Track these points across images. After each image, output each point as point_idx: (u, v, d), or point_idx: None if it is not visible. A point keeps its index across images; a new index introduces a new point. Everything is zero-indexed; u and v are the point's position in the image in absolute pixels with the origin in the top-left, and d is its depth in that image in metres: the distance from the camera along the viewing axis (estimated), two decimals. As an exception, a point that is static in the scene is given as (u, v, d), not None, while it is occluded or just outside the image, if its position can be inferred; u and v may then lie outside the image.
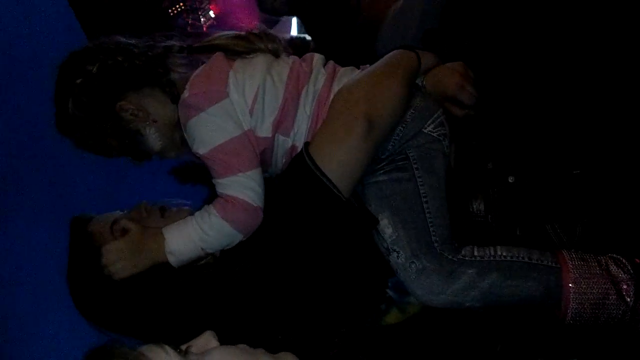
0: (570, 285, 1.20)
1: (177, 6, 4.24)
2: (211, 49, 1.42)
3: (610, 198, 1.34)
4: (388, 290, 1.30)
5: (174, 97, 1.35)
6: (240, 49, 1.41)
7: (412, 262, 1.23)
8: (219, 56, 1.38)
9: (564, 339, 1.26)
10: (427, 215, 1.26)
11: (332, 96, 1.33)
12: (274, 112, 1.32)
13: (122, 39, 1.40)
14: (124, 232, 1.34)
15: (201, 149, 1.30)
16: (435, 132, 1.33)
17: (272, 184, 1.32)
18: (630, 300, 1.19)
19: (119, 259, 1.28)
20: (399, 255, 1.24)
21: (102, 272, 1.29)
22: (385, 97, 1.27)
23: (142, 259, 1.28)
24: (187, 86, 1.32)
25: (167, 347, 0.99)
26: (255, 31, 1.44)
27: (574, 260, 1.24)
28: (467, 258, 1.25)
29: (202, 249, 1.29)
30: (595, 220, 1.33)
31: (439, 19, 1.78)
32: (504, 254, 1.25)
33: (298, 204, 1.25)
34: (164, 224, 1.34)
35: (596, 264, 1.23)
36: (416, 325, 1.31)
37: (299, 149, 1.31)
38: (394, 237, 1.25)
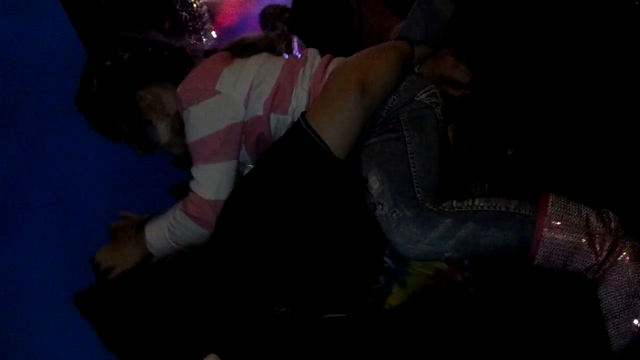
0: (543, 229, 1.22)
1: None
2: (236, 47, 1.50)
3: (609, 175, 1.36)
4: (386, 259, 1.31)
5: None
6: (262, 44, 1.50)
7: (394, 211, 1.27)
8: (217, 55, 1.46)
9: (563, 336, 1.24)
10: (412, 169, 1.30)
11: (327, 73, 1.39)
12: (266, 94, 1.38)
13: (157, 35, 1.49)
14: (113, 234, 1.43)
15: (188, 139, 1.37)
16: (428, 100, 1.39)
17: (269, 149, 1.36)
18: (600, 256, 1.19)
19: (111, 255, 1.39)
20: (383, 207, 1.28)
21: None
22: (379, 67, 1.34)
23: (131, 251, 1.39)
24: (182, 82, 1.38)
25: None
26: (282, 34, 1.57)
27: (555, 204, 1.24)
28: (445, 209, 1.28)
29: (173, 241, 1.37)
30: (594, 198, 1.34)
31: (439, 42, 1.80)
32: (482, 204, 1.27)
33: (292, 166, 1.28)
34: None
35: (576, 212, 1.24)
36: (418, 309, 1.30)
37: None
38: (379, 191, 1.29)
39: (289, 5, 2.64)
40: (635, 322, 1.16)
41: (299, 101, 1.38)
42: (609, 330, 1.18)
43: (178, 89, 1.38)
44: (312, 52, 1.48)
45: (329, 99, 1.30)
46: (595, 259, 1.20)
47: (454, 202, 1.29)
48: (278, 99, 1.38)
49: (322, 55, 1.51)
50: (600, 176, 1.35)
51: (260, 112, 1.38)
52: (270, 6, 2.94)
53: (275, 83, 1.38)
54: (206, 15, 4.55)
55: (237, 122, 1.37)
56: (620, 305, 1.17)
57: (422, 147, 1.33)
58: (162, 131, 1.45)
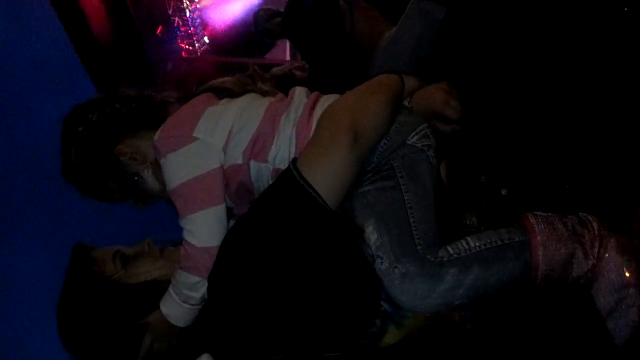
0: (539, 248, 1.22)
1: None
2: (210, 90, 1.46)
3: (601, 212, 1.37)
4: (382, 303, 1.29)
5: None
6: (237, 89, 1.46)
7: (396, 266, 1.23)
8: (197, 99, 1.43)
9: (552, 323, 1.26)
10: (411, 220, 1.27)
11: (314, 117, 1.35)
12: (245, 142, 1.35)
13: (124, 90, 1.46)
14: (124, 259, 1.38)
15: (168, 187, 1.34)
16: (419, 143, 1.35)
17: (260, 198, 1.34)
18: (594, 259, 1.21)
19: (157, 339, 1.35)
20: (383, 260, 1.23)
21: (95, 300, 1.32)
22: (370, 110, 1.30)
23: (167, 331, 1.34)
24: (159, 130, 1.35)
25: None
26: (254, 73, 1.50)
27: (540, 224, 1.25)
28: (445, 258, 1.24)
29: (184, 302, 1.33)
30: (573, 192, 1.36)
31: (431, 46, 1.81)
32: (477, 243, 1.25)
33: (284, 215, 1.24)
34: (161, 263, 1.40)
35: (562, 225, 1.24)
36: (415, 345, 1.31)
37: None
38: (378, 243, 1.25)
39: (281, 9, 2.65)
40: (633, 310, 1.17)
41: (280, 149, 1.35)
42: (610, 326, 1.19)
43: (155, 138, 1.35)
44: (299, 94, 1.44)
45: (320, 146, 1.27)
46: (589, 263, 1.21)
47: (448, 248, 1.26)
48: (258, 147, 1.35)
49: (318, 80, 1.49)
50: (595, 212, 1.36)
51: (240, 161, 1.35)
52: (262, 9, 2.95)
53: (255, 131, 1.35)
54: (199, 20, 4.55)
55: (216, 167, 1.34)
56: (614, 299, 1.19)
57: (419, 196, 1.30)
58: (151, 180, 1.42)
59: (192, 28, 4.49)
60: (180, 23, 4.43)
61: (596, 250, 1.21)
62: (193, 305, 1.33)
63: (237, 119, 1.35)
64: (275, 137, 1.34)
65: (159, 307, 1.33)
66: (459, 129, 1.44)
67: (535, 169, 1.45)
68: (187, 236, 1.31)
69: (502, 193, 1.42)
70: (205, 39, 4.57)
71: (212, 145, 1.32)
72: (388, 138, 1.33)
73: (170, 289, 1.33)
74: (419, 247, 1.23)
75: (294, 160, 1.26)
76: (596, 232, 1.23)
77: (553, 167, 1.44)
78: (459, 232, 1.35)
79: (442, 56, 1.69)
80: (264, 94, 1.46)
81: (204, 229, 1.31)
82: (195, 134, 1.32)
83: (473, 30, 1.64)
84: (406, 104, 1.44)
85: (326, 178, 1.23)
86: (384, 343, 1.29)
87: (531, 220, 1.25)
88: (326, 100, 1.39)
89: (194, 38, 4.55)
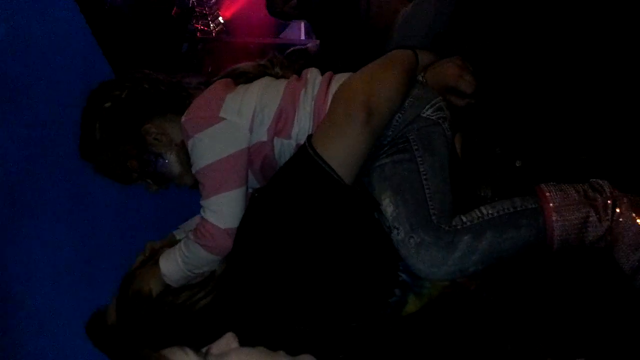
0: (552, 215, 1.25)
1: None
2: (229, 76, 1.49)
3: (613, 176, 1.36)
4: (401, 274, 1.31)
5: None
6: (255, 72, 1.49)
7: (411, 236, 1.25)
8: (218, 83, 1.46)
9: (572, 337, 1.27)
10: (427, 191, 1.29)
11: (330, 94, 1.38)
12: (270, 119, 1.38)
13: (149, 71, 1.49)
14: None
15: (195, 168, 1.38)
16: (434, 115, 1.37)
17: (276, 176, 1.35)
18: (608, 221, 1.23)
19: (143, 280, 1.39)
20: (399, 231, 1.26)
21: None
22: (383, 86, 1.31)
23: (157, 282, 1.38)
24: (186, 111, 1.38)
25: (187, 349, 1.00)
26: (273, 58, 1.53)
27: (552, 191, 1.27)
28: (458, 226, 1.27)
29: (188, 270, 1.37)
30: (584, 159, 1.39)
31: (447, 23, 1.79)
32: (490, 211, 1.28)
33: (300, 192, 1.27)
34: None
35: (574, 191, 1.27)
36: (432, 315, 1.32)
37: None
38: (394, 215, 1.28)
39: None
40: None
41: (301, 125, 1.37)
42: (638, 284, 1.21)
43: (183, 118, 1.38)
44: (312, 73, 1.46)
45: (334, 123, 1.28)
46: (605, 225, 1.23)
47: (462, 217, 1.28)
48: (281, 123, 1.37)
49: (334, 60, 1.50)
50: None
51: (265, 138, 1.37)
52: (277, -10, 2.93)
53: (277, 108, 1.37)
54: (213, 0, 4.54)
55: (243, 148, 1.36)
56: (637, 257, 1.21)
57: (435, 168, 1.31)
58: (173, 162, 1.46)
59: (206, 8, 4.48)
60: (195, 3, 4.42)
61: (610, 211, 1.23)
62: (195, 274, 1.36)
63: (258, 98, 1.38)
64: (296, 113, 1.37)
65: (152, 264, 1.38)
66: (473, 102, 1.44)
67: (549, 140, 1.46)
68: (210, 217, 1.33)
69: (517, 164, 1.44)
70: (220, 19, 4.56)
71: (239, 126, 1.35)
72: (402, 112, 1.34)
73: (178, 255, 1.36)
74: (433, 217, 1.26)
75: (309, 136, 1.29)
76: (608, 194, 1.25)
77: (568, 138, 1.45)
78: (474, 203, 1.36)
79: (458, 32, 1.67)
80: (279, 77, 1.49)
81: (229, 210, 1.33)
82: (222, 115, 1.35)
83: (489, 5, 1.62)
84: (420, 78, 1.44)
85: (341, 154, 1.25)
86: (406, 312, 1.31)
87: (543, 189, 1.28)
88: (341, 77, 1.41)
89: (209, 18, 4.54)
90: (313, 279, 1.26)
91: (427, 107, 1.37)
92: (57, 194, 1.40)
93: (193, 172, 1.38)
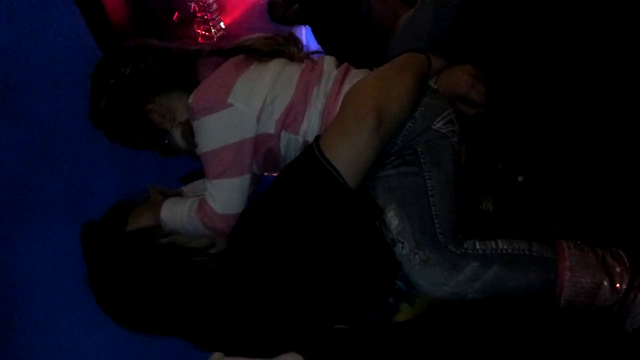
0: (566, 273, 1.23)
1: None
2: (240, 50, 1.46)
3: (619, 200, 1.35)
4: (397, 282, 1.31)
5: None
6: (267, 49, 1.46)
7: (416, 252, 1.24)
8: (230, 63, 1.42)
9: (571, 347, 1.27)
10: (433, 208, 1.27)
11: (342, 94, 1.35)
12: (280, 111, 1.36)
13: (156, 42, 1.47)
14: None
15: (199, 150, 1.37)
16: (444, 128, 1.35)
17: (281, 174, 1.35)
18: (621, 292, 1.21)
19: (135, 216, 1.40)
20: (404, 246, 1.26)
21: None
22: (395, 92, 1.30)
23: (147, 217, 1.39)
24: (194, 92, 1.37)
25: None
26: (284, 34, 1.50)
27: (572, 249, 1.26)
28: (469, 251, 1.26)
29: (185, 230, 1.37)
30: (603, 223, 1.35)
31: (447, 29, 1.80)
32: (505, 247, 1.26)
33: (304, 193, 1.26)
34: None
35: (592, 254, 1.25)
36: (425, 324, 1.32)
37: None
38: (399, 229, 1.26)
39: (297, -5, 2.65)
40: None
41: (311, 122, 1.36)
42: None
43: (190, 99, 1.36)
44: (328, 65, 1.44)
45: (343, 126, 1.26)
46: (617, 296, 1.21)
47: (477, 242, 1.27)
48: (291, 118, 1.36)
49: (340, 62, 1.47)
50: (612, 200, 1.35)
51: (272, 130, 1.36)
52: (278, -4, 2.94)
53: (289, 103, 1.36)
54: (215, 5, 4.54)
55: (248, 137, 1.35)
56: None
57: (442, 184, 1.30)
58: (179, 138, 1.46)
59: (208, 13, 4.49)
60: (197, 8, 4.43)
61: (625, 283, 1.21)
62: (183, 230, 1.37)
63: (270, 88, 1.35)
64: (307, 110, 1.35)
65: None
66: (482, 112, 1.42)
67: (552, 155, 1.44)
68: (209, 199, 1.34)
69: (519, 180, 1.42)
70: (222, 24, 4.57)
71: (246, 114, 1.33)
72: (413, 121, 1.32)
73: (180, 212, 1.39)
74: (440, 236, 1.25)
75: (317, 138, 1.27)
76: (627, 266, 1.22)
77: (570, 153, 1.43)
78: (475, 217, 1.36)
79: (459, 39, 1.68)
80: (294, 58, 1.45)
81: (227, 196, 1.33)
82: (230, 100, 1.32)
83: (490, 13, 1.63)
84: (431, 84, 1.42)
85: (348, 158, 1.23)
86: (395, 320, 1.31)
87: (563, 244, 1.26)
88: (355, 76, 1.39)
89: (210, 24, 4.55)
90: (307, 277, 1.26)
91: (438, 119, 1.35)
92: (58, 194, 1.40)
93: (197, 153, 1.38)
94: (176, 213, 1.38)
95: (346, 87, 1.36)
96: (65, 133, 1.46)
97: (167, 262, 1.34)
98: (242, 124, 1.34)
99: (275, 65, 1.42)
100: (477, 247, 1.26)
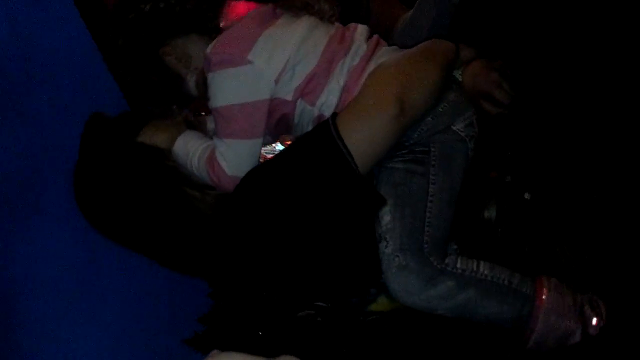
0: (540, 316, 1.22)
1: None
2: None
3: (626, 228, 1.34)
4: (383, 275, 1.27)
5: None
6: (297, 4, 1.39)
7: (397, 255, 1.23)
8: (255, 15, 1.37)
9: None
10: (428, 214, 1.26)
11: (366, 72, 1.31)
12: (301, 79, 1.31)
13: None
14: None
15: (211, 104, 1.32)
16: (464, 131, 1.32)
17: (292, 146, 1.33)
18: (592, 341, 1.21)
19: (151, 130, 1.39)
20: (388, 245, 1.24)
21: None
22: (421, 81, 1.26)
23: (162, 139, 1.38)
24: (214, 42, 1.32)
25: None
26: None
27: (551, 291, 1.25)
28: (449, 268, 1.24)
29: (190, 168, 1.35)
30: (606, 250, 1.33)
31: (447, 30, 1.80)
32: (487, 272, 1.25)
33: (312, 168, 1.25)
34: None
35: (572, 301, 1.25)
36: (398, 321, 1.32)
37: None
38: (389, 226, 1.25)
39: None
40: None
41: (330, 96, 1.31)
42: None
43: (208, 49, 1.31)
44: (359, 38, 1.37)
45: (363, 109, 1.24)
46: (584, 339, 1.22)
47: (459, 260, 1.25)
48: (310, 87, 1.31)
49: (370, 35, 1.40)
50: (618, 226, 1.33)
51: (289, 97, 1.31)
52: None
53: (311, 71, 1.30)
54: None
55: (264, 98, 1.29)
56: None
57: (444, 191, 1.27)
58: (191, 85, 1.42)
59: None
60: None
61: (597, 333, 1.21)
62: (190, 167, 1.36)
63: (295, 50, 1.29)
64: (328, 83, 1.29)
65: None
66: (505, 113, 1.39)
67: (562, 176, 1.41)
68: (219, 157, 1.29)
69: (525, 197, 1.40)
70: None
71: (264, 75, 1.27)
72: (434, 116, 1.28)
73: (192, 155, 1.34)
74: (425, 245, 1.23)
75: (334, 115, 1.23)
76: (603, 317, 1.22)
77: (581, 177, 1.40)
78: (475, 225, 1.34)
79: (459, 37, 1.68)
80: (323, 17, 1.38)
81: (237, 160, 1.29)
82: (249, 57, 1.26)
83: (490, 13, 1.63)
84: (457, 75, 1.39)
85: (363, 143, 1.21)
86: (370, 309, 1.31)
87: (544, 283, 1.24)
88: (383, 54, 1.33)
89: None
90: (296, 248, 1.25)
91: (459, 119, 1.32)
92: (58, 194, 1.40)
93: (209, 107, 1.33)
94: (189, 151, 1.34)
95: (371, 66, 1.31)
96: (65, 133, 1.45)
97: (163, 183, 1.33)
98: (259, 84, 1.28)
99: (303, 26, 1.35)
100: (458, 265, 1.24)
